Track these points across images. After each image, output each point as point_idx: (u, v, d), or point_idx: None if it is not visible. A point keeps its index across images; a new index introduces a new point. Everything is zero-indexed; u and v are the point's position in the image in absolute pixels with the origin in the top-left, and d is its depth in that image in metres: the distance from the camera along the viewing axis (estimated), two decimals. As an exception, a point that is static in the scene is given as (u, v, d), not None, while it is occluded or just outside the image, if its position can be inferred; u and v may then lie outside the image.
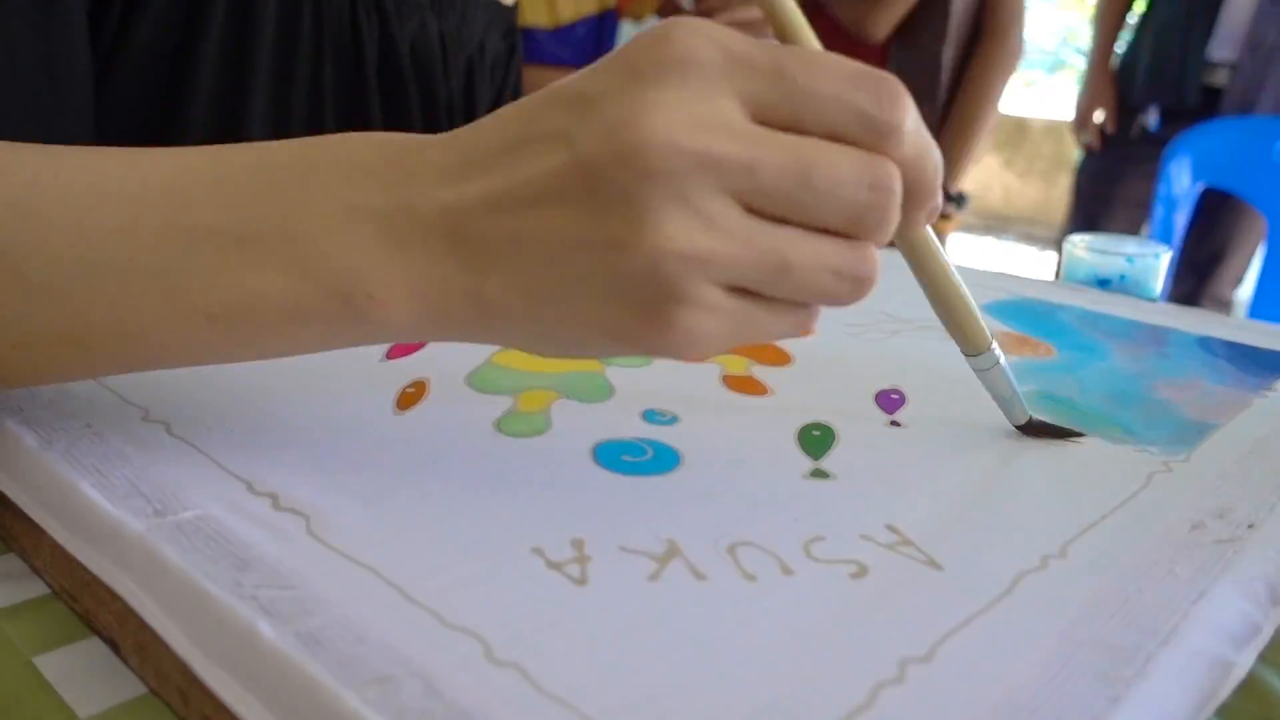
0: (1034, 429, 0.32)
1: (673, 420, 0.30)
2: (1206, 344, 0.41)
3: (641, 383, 0.33)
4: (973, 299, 0.30)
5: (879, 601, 0.21)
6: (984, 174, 4.35)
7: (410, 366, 0.34)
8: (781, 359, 0.36)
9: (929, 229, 0.28)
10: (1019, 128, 4.26)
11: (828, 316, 0.42)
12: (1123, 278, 0.51)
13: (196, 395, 0.30)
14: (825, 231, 0.23)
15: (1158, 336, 0.41)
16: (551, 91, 0.24)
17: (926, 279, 0.30)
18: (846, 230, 0.23)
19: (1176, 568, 0.23)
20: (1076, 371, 0.37)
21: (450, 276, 0.24)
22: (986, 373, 0.32)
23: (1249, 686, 0.21)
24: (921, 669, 0.19)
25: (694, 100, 0.22)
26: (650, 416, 0.31)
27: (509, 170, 0.23)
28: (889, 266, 0.53)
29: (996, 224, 4.16)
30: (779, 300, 0.24)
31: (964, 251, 3.66)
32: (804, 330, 0.25)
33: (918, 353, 0.38)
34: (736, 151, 0.22)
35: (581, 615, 0.20)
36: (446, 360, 0.34)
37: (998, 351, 0.31)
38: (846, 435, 0.30)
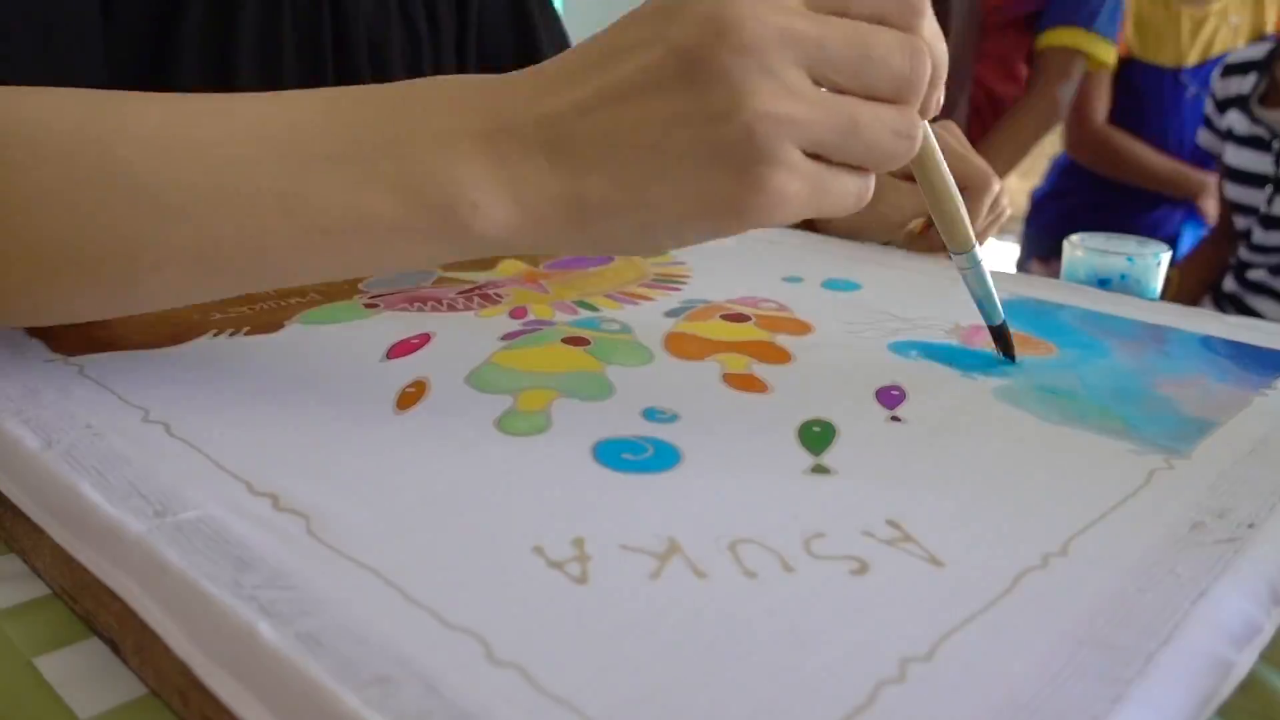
0: (998, 334, 0.37)
1: (673, 418, 0.30)
2: (1207, 343, 0.41)
3: (641, 381, 0.33)
4: (961, 202, 0.35)
5: (880, 599, 0.21)
6: (984, 173, 4.34)
7: (410, 366, 0.34)
8: (781, 357, 0.36)
9: (930, 131, 0.32)
10: (1019, 127, 4.25)
11: (827, 315, 0.42)
12: (1123, 277, 0.51)
13: (196, 396, 0.30)
14: (877, 100, 0.27)
15: (1158, 335, 0.41)
16: (627, 15, 0.27)
17: (924, 175, 0.34)
18: (894, 97, 0.27)
19: (1177, 567, 0.23)
20: (1078, 368, 0.37)
21: (549, 183, 0.27)
22: (967, 272, 0.36)
23: (1250, 686, 0.21)
24: (922, 668, 0.19)
25: None
26: (650, 414, 0.31)
27: (600, 76, 0.26)
28: (889, 266, 0.53)
29: (997, 223, 4.15)
30: (845, 166, 0.27)
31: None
32: (863, 198, 0.29)
33: (918, 351, 0.38)
34: (809, 28, 0.26)
35: (582, 614, 0.20)
36: (446, 360, 0.34)
37: (979, 254, 0.36)
38: (847, 431, 0.30)
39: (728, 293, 0.44)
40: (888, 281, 0.48)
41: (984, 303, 0.37)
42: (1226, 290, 1.45)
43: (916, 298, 0.45)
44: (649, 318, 0.40)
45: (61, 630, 0.24)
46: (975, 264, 0.36)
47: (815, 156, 0.27)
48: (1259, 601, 0.22)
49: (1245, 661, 0.21)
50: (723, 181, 0.26)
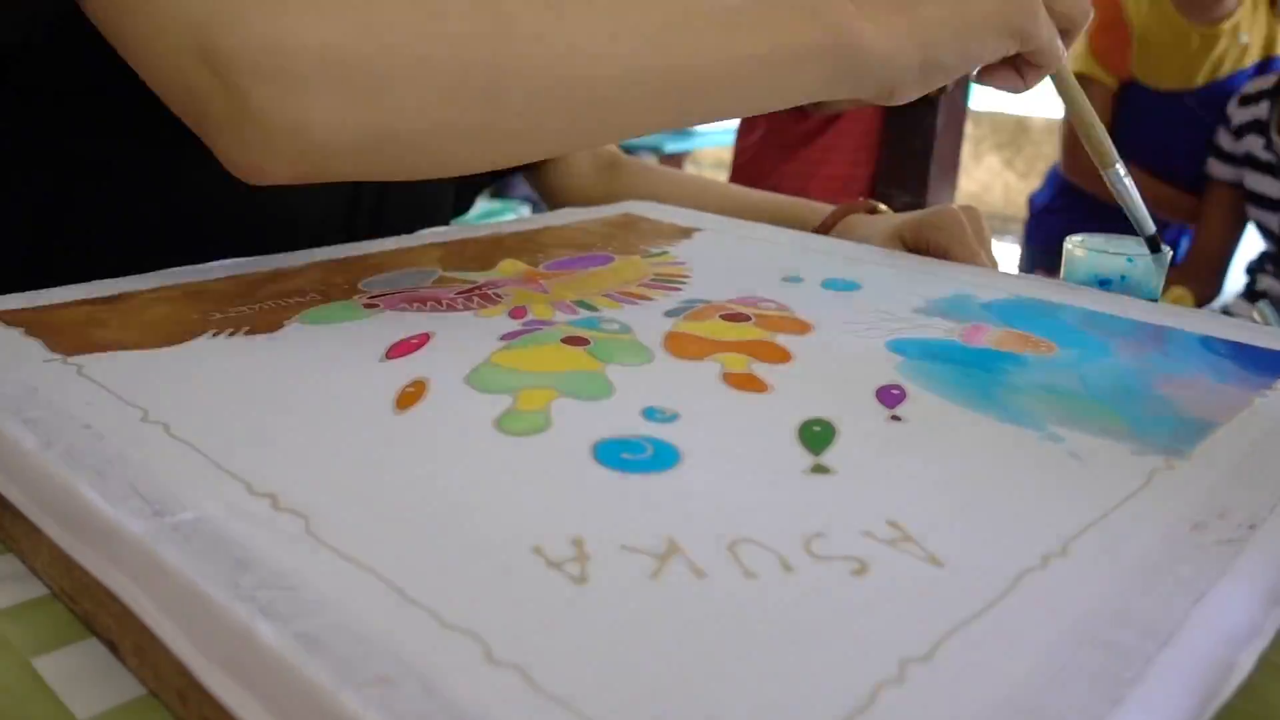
0: (1151, 243, 0.49)
1: (673, 418, 0.30)
2: (1207, 343, 0.41)
3: (641, 381, 0.33)
4: (1100, 124, 0.49)
5: (879, 599, 0.21)
6: (984, 174, 4.35)
7: (410, 366, 0.34)
8: (781, 356, 0.36)
9: (1067, 63, 0.48)
10: (1019, 127, 4.26)
11: (827, 315, 0.42)
12: (1123, 278, 0.51)
13: (196, 396, 0.30)
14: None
15: (1158, 335, 0.41)
16: None
17: (1068, 102, 0.49)
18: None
19: (1178, 568, 0.23)
20: (1078, 367, 0.37)
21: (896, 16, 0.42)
22: (1114, 185, 0.49)
23: (1250, 687, 0.21)
24: (922, 669, 0.19)
25: None
26: (650, 414, 0.31)
27: None
28: (889, 266, 0.53)
29: (997, 224, 4.16)
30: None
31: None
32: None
33: (918, 350, 0.38)
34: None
35: (581, 614, 0.20)
36: (446, 360, 0.34)
37: (1120, 169, 0.49)
38: (847, 430, 0.30)
39: (728, 293, 0.44)
40: (888, 281, 0.48)
41: (1132, 212, 0.49)
42: (1262, 289, 1.46)
43: (916, 298, 0.45)
44: (649, 318, 0.40)
45: (60, 631, 0.24)
46: (1118, 178, 0.48)
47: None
48: (1260, 602, 0.22)
49: (1246, 663, 0.21)
50: (1014, 14, 0.43)
